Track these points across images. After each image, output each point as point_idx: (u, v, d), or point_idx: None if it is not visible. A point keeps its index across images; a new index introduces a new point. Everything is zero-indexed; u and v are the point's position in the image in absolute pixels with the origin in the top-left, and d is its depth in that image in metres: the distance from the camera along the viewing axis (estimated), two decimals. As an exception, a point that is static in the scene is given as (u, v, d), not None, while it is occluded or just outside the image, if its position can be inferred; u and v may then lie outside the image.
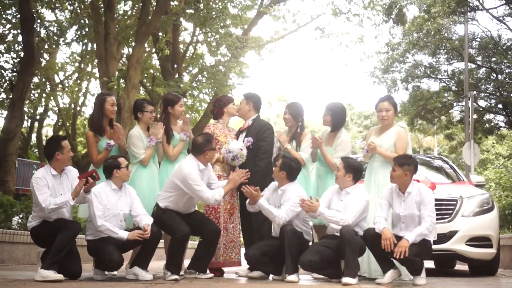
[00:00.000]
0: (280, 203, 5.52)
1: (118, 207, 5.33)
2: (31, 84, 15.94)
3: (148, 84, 18.67)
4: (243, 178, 5.55)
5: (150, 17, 13.12)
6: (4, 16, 16.77)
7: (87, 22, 17.51)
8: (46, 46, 19.20)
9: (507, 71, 19.70)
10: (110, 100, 5.96)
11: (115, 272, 5.78)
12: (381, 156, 5.76)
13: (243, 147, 5.98)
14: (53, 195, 5.16)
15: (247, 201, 5.58)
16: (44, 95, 20.76)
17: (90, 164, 6.09)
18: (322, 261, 5.22)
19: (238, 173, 5.56)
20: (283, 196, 5.53)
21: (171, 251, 5.45)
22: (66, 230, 5.05)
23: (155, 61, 19.02)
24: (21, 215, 8.88)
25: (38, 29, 17.69)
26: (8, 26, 17.13)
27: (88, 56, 19.87)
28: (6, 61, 18.06)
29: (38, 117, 23.45)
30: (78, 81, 21.75)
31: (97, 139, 5.90)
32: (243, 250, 6.05)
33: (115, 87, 14.60)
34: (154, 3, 14.07)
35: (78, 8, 17.58)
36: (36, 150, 24.62)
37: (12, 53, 17.63)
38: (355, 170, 5.43)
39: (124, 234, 5.19)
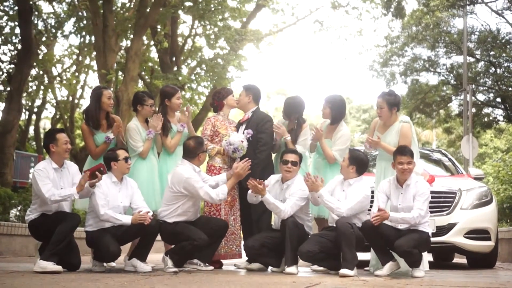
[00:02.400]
0: (285, 197, 5.50)
1: (118, 199, 5.33)
2: (29, 77, 15.90)
3: (146, 77, 18.65)
4: (247, 170, 5.53)
5: (148, 10, 13.10)
6: (1, 8, 16.69)
7: (85, 14, 17.45)
8: (43, 39, 19.12)
9: (505, 64, 19.67)
10: (107, 94, 5.92)
11: (114, 264, 5.78)
12: (385, 150, 5.70)
13: (244, 139, 5.94)
14: (54, 188, 5.14)
15: (250, 191, 5.55)
16: (42, 87, 20.72)
17: (88, 156, 6.07)
18: (321, 252, 5.23)
19: (242, 167, 5.50)
20: (288, 190, 5.52)
21: (181, 251, 5.37)
22: (66, 222, 5.05)
23: (154, 54, 18.99)
24: (19, 208, 8.89)
25: (36, 21, 17.61)
26: (6, 18, 17.04)
27: (86, 49, 19.81)
28: (4, 53, 18.03)
29: (36, 109, 23.41)
30: (76, 74, 21.71)
31: (92, 132, 5.88)
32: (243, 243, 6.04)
33: (113, 79, 14.56)
34: (153, -4, 14.02)
35: (76, 0, 17.51)
36: (34, 142, 24.57)
37: (9, 45, 17.56)
38: (359, 163, 5.43)
39: (127, 219, 5.20)
